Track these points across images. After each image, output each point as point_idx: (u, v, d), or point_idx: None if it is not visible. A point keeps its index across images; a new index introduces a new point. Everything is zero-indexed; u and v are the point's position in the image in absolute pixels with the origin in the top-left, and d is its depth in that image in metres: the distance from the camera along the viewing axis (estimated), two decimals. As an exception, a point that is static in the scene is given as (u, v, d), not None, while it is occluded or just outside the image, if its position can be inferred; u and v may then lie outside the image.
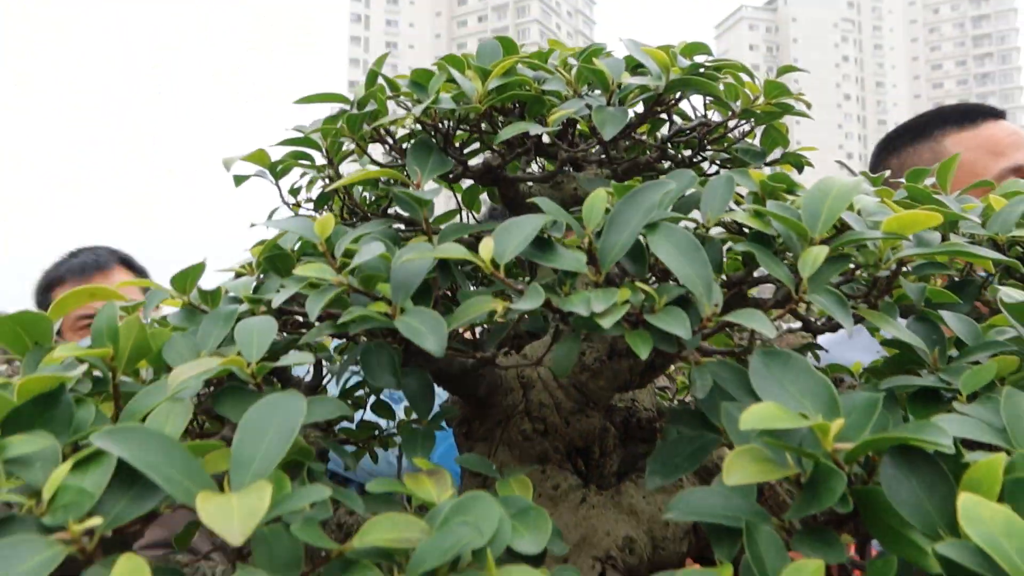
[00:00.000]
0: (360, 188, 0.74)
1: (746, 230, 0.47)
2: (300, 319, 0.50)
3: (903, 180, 0.64)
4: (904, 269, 0.48)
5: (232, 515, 0.29)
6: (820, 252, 0.41)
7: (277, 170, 0.71)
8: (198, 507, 0.29)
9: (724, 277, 0.51)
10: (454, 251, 0.43)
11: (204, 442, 0.37)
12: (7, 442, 0.31)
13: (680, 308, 0.42)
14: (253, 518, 0.29)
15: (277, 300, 0.44)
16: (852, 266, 0.46)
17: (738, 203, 0.50)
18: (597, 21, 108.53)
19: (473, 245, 0.46)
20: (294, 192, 0.76)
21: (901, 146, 1.79)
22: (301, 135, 0.67)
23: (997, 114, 1.66)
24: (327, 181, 0.68)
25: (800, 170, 0.73)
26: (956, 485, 0.32)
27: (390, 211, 0.73)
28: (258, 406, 0.36)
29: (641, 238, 0.44)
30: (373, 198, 0.75)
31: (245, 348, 0.41)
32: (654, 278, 0.47)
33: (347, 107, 0.66)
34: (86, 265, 1.68)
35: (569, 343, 0.46)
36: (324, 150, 0.66)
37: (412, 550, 0.33)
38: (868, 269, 0.46)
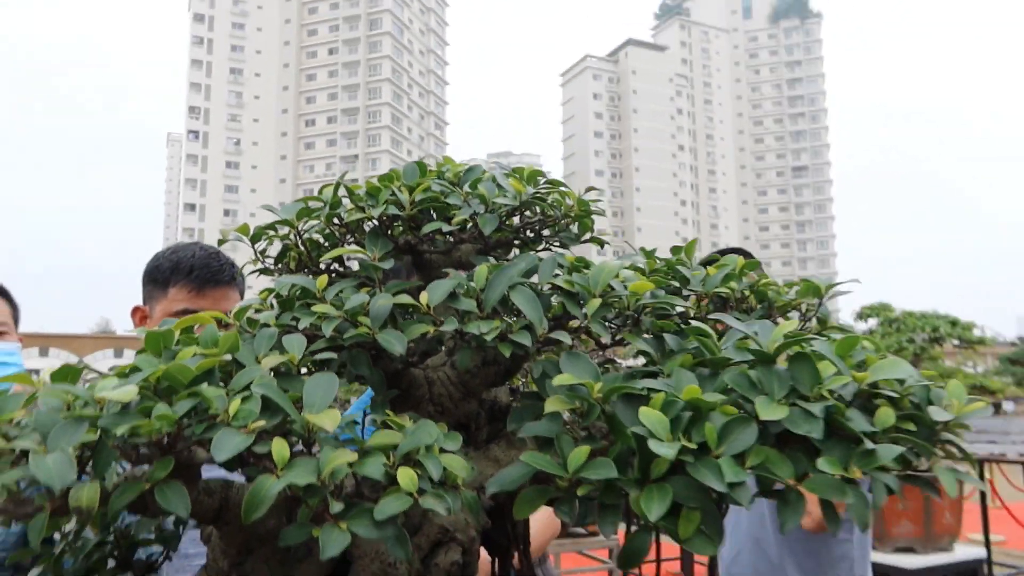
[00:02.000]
0: (309, 249, 1.08)
1: (561, 288, 0.85)
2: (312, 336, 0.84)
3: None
4: (646, 310, 0.88)
5: (326, 420, 0.63)
6: (596, 301, 0.81)
7: (252, 235, 1.04)
8: (310, 419, 0.63)
9: (551, 315, 0.89)
10: (405, 299, 0.79)
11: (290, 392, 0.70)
12: (201, 389, 0.64)
13: (526, 331, 0.80)
14: (334, 422, 0.64)
15: (302, 325, 0.78)
16: (616, 309, 0.86)
17: (559, 272, 0.89)
18: (449, 62, 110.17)
19: (412, 294, 0.82)
20: (261, 252, 1.09)
21: None
22: (279, 216, 1.00)
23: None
24: (295, 245, 1.01)
25: (601, 245, 1.14)
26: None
27: (332, 263, 1.08)
28: (313, 378, 0.70)
29: (506, 293, 0.82)
30: (317, 254, 1.09)
31: (293, 350, 0.74)
32: (514, 315, 0.85)
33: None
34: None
35: (467, 352, 0.83)
36: (295, 228, 0.99)
37: (397, 445, 0.69)
38: (624, 310, 0.86)
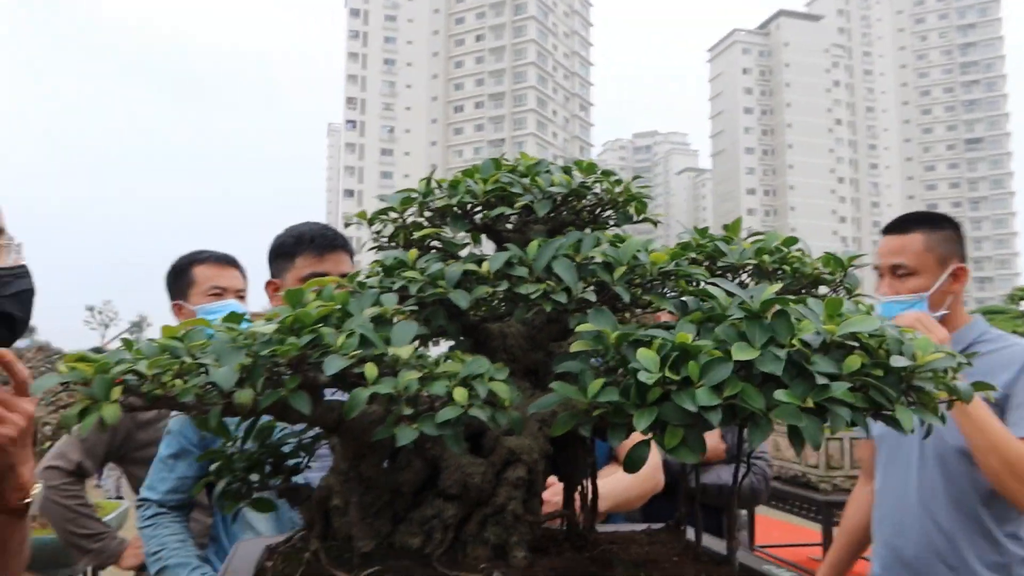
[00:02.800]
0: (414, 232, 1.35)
1: (598, 260, 1.07)
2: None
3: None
4: (671, 277, 1.08)
5: (405, 352, 0.89)
6: (621, 269, 1.02)
7: (369, 219, 1.32)
8: (394, 351, 0.89)
9: (593, 281, 1.10)
10: (471, 266, 1.04)
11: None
12: (319, 328, 0.91)
13: (565, 292, 1.03)
14: (410, 354, 0.89)
15: (396, 286, 1.04)
16: (640, 277, 1.06)
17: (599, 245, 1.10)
18: (593, 43, 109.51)
19: (478, 262, 1.07)
20: (377, 232, 1.36)
21: None
22: (387, 204, 1.27)
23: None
24: (402, 227, 1.28)
25: (655, 225, 1.33)
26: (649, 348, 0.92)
27: (429, 240, 1.34)
28: (399, 324, 0.96)
29: (551, 263, 1.04)
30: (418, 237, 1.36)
31: (387, 304, 1.00)
32: (552, 279, 1.07)
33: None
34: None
35: (523, 309, 1.07)
36: (400, 213, 1.26)
37: (457, 372, 0.93)
38: (650, 278, 1.06)
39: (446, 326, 1.08)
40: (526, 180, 1.15)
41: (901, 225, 2.25)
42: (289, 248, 2.18)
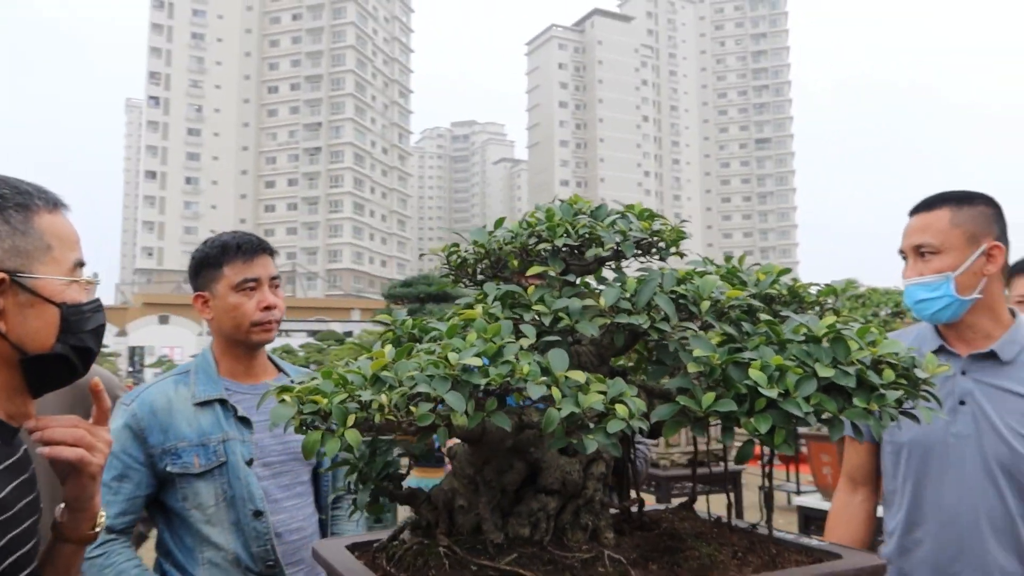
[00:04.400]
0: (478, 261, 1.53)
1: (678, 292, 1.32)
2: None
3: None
4: (732, 307, 1.35)
5: (576, 376, 1.10)
6: (706, 303, 1.28)
7: (448, 254, 1.49)
8: (564, 374, 1.09)
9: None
10: (590, 302, 1.26)
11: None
12: (509, 358, 1.09)
13: (665, 321, 1.27)
14: (578, 378, 1.10)
15: (528, 317, 1.24)
16: (717, 307, 1.32)
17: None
18: (414, 30, 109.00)
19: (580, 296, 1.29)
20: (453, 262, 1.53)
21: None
22: (469, 239, 1.45)
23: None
24: (483, 260, 1.46)
25: (682, 257, 1.60)
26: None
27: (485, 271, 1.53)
28: (554, 352, 1.16)
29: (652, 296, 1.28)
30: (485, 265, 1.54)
31: (530, 335, 1.20)
32: (651, 310, 1.30)
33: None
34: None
35: (620, 334, 1.30)
36: (484, 249, 1.44)
37: (606, 392, 1.15)
38: (721, 308, 1.33)
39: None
40: (614, 222, 1.39)
41: (928, 203, 2.01)
42: (215, 259, 2.19)
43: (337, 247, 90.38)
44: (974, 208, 1.95)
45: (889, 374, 1.21)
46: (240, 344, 2.22)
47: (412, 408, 0.99)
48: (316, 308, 57.80)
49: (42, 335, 1.23)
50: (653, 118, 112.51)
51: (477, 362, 1.05)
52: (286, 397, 1.04)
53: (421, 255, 1.58)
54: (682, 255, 1.60)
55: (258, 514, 2.09)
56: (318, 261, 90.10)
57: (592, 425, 1.09)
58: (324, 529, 2.37)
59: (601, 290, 1.34)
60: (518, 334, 1.21)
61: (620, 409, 1.10)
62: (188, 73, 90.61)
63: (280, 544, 2.12)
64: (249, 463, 2.11)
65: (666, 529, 1.44)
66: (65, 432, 1.25)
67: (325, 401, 1.00)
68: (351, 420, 0.99)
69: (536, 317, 1.25)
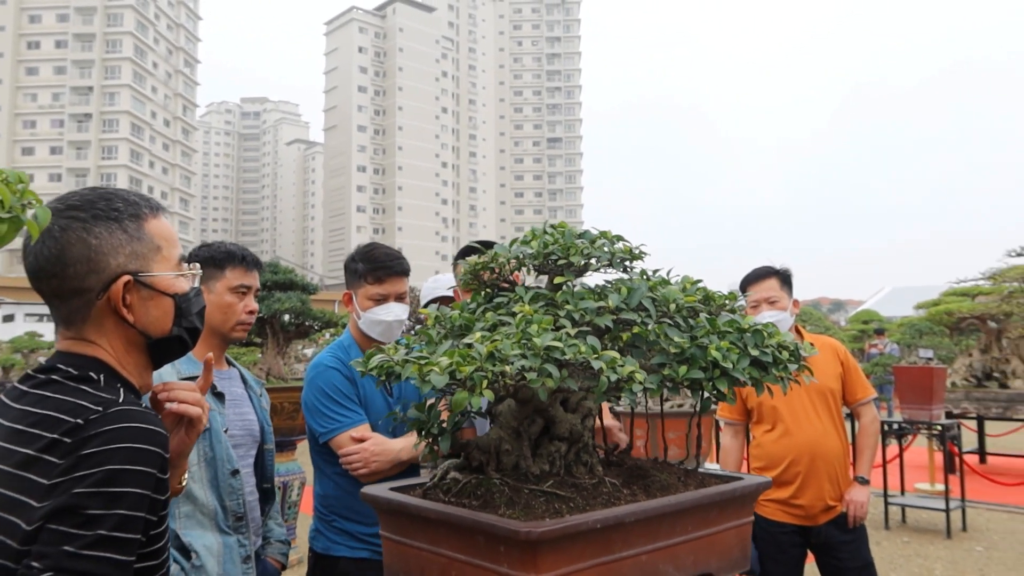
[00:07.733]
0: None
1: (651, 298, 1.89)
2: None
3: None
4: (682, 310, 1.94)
5: (608, 355, 1.64)
6: (673, 306, 1.87)
7: (459, 269, 1.97)
8: (604, 353, 1.62)
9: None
10: (601, 302, 1.80)
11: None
12: (579, 344, 1.60)
13: (650, 318, 1.84)
14: (613, 360, 1.64)
15: (563, 314, 1.75)
16: (677, 310, 1.91)
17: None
18: (203, 17, 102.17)
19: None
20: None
21: None
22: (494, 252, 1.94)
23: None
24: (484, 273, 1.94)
25: (640, 258, 2.18)
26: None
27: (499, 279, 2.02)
28: (590, 338, 1.69)
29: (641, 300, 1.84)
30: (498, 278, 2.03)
31: (569, 328, 1.71)
32: (640, 311, 1.86)
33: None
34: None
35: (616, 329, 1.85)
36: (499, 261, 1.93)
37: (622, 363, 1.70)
38: (672, 305, 1.91)
39: (577, 336, 1.82)
40: (594, 243, 1.93)
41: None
42: (219, 261, 2.55)
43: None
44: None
45: (785, 355, 1.87)
46: (220, 336, 2.56)
47: (526, 374, 1.48)
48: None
49: (162, 322, 1.53)
50: (452, 110, 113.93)
51: (557, 344, 1.55)
52: (435, 368, 1.48)
53: (455, 262, 2.02)
54: (640, 261, 2.19)
55: (235, 472, 2.43)
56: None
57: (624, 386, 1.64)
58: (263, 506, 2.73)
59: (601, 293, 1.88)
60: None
61: (638, 376, 1.65)
62: (-71, 18, 79.23)
63: None
64: (225, 431, 2.45)
65: (632, 464, 2.01)
66: (188, 394, 1.58)
67: (467, 370, 1.46)
68: (484, 383, 1.46)
69: (569, 314, 1.77)
